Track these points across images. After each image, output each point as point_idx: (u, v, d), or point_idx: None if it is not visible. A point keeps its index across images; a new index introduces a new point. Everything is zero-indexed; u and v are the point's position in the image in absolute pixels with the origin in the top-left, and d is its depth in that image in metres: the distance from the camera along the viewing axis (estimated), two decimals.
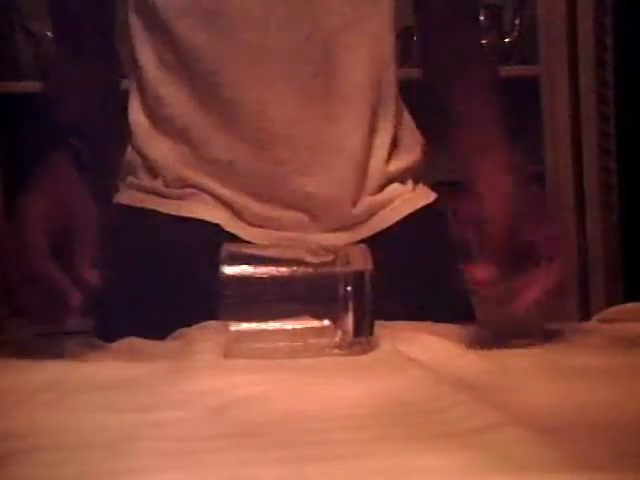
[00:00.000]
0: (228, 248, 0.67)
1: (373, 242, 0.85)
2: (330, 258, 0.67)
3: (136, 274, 0.89)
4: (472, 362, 0.61)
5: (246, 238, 0.88)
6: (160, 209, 0.91)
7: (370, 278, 0.65)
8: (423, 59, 1.00)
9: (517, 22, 2.08)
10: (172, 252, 0.89)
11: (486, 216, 0.72)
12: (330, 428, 0.44)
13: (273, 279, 0.65)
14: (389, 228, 0.92)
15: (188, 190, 0.90)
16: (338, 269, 0.66)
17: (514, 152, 0.82)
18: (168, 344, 0.74)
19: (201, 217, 0.89)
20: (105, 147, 0.91)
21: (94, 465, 0.39)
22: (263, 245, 0.86)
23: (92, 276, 0.69)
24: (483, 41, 1.03)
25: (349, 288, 0.65)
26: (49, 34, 2.12)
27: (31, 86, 2.09)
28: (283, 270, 0.66)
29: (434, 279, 0.93)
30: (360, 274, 0.65)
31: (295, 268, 0.66)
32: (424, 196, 0.97)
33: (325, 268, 0.66)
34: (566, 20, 1.98)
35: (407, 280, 0.90)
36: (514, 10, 2.10)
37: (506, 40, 2.07)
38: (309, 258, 0.67)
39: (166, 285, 0.88)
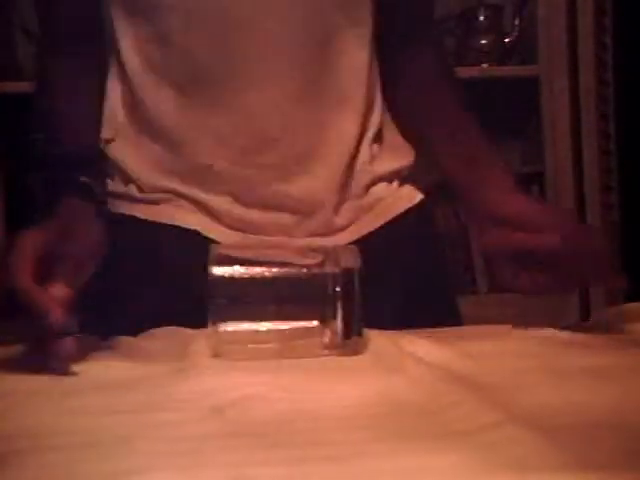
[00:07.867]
0: (217, 249, 0.67)
1: (356, 245, 0.84)
2: (319, 259, 0.67)
3: (116, 279, 0.85)
4: (471, 362, 0.61)
5: (225, 243, 0.85)
6: (137, 215, 0.87)
7: (359, 279, 0.65)
8: (389, 87, 0.94)
9: (517, 22, 2.08)
10: (152, 257, 0.87)
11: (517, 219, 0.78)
12: (329, 428, 0.44)
13: (262, 280, 0.65)
14: (373, 230, 0.90)
15: (163, 195, 0.87)
16: (327, 270, 0.66)
17: (499, 158, 0.87)
18: (164, 344, 0.74)
19: (178, 223, 0.86)
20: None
21: (94, 465, 0.39)
22: (252, 246, 0.85)
23: (64, 293, 0.67)
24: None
25: (338, 289, 0.65)
26: None
27: (31, 86, 2.09)
28: (272, 271, 0.65)
29: (419, 281, 0.91)
30: (349, 275, 0.65)
31: (284, 269, 0.66)
32: (409, 198, 0.94)
33: (314, 269, 0.66)
34: (566, 20, 1.98)
35: (391, 283, 0.89)
36: (514, 10, 2.10)
37: (506, 40, 2.07)
38: (298, 259, 0.67)
39: (148, 291, 0.86)
